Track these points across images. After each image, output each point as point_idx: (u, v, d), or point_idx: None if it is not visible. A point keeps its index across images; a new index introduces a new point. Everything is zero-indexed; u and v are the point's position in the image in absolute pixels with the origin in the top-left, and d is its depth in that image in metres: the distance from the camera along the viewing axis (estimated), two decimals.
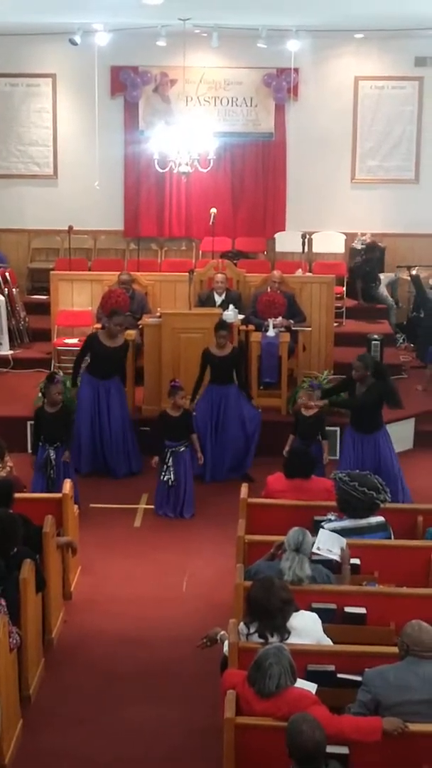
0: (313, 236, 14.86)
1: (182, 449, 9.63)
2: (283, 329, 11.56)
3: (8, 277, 13.58)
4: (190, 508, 9.70)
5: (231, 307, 11.60)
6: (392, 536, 7.24)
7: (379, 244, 14.61)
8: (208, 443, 10.28)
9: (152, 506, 9.78)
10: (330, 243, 15.01)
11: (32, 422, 9.95)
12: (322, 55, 14.79)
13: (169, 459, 9.55)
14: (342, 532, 6.92)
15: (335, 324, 12.79)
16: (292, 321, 11.80)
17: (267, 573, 6.22)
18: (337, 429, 10.55)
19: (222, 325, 10.38)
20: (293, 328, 11.76)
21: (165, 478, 9.56)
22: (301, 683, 5.18)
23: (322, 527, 7.00)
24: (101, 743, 6.24)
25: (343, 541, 6.73)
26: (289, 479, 8.01)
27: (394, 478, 9.16)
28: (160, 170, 12.47)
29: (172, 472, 9.56)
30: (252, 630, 5.63)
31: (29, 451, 9.82)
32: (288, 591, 5.65)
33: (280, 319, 11.60)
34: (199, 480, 10.12)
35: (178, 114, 14.36)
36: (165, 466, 9.55)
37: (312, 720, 4.58)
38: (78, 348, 11.21)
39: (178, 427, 9.60)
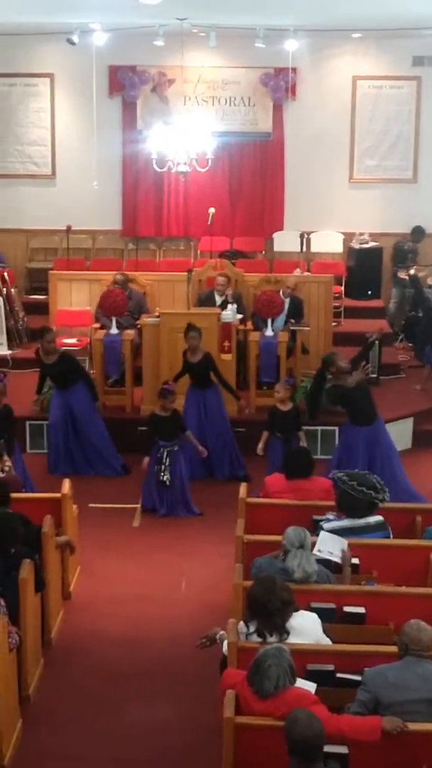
0: (311, 236, 14.85)
1: (176, 448, 9.64)
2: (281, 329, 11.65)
3: (6, 277, 13.57)
4: (194, 507, 9.73)
5: (229, 306, 11.61)
6: (391, 536, 7.25)
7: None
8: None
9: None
10: (328, 242, 15.00)
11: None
12: (319, 54, 14.78)
13: (166, 459, 9.57)
14: (341, 531, 6.93)
15: (333, 324, 12.80)
16: (292, 321, 11.85)
17: (268, 571, 6.23)
18: (336, 429, 10.62)
19: (190, 328, 10.39)
20: (291, 328, 11.79)
21: (164, 478, 9.58)
22: (301, 683, 5.18)
23: (321, 527, 7.02)
24: (101, 743, 6.25)
25: (345, 542, 6.73)
26: (288, 480, 8.01)
27: (398, 465, 9.40)
28: (159, 170, 12.46)
29: (169, 472, 9.57)
30: (251, 629, 5.64)
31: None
32: (289, 592, 5.65)
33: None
34: (201, 479, 10.19)
35: (176, 114, 14.33)
36: (163, 466, 9.57)
37: (309, 712, 4.60)
38: (77, 347, 11.32)
39: (170, 427, 9.62)
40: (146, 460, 9.61)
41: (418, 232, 14.60)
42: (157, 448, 9.59)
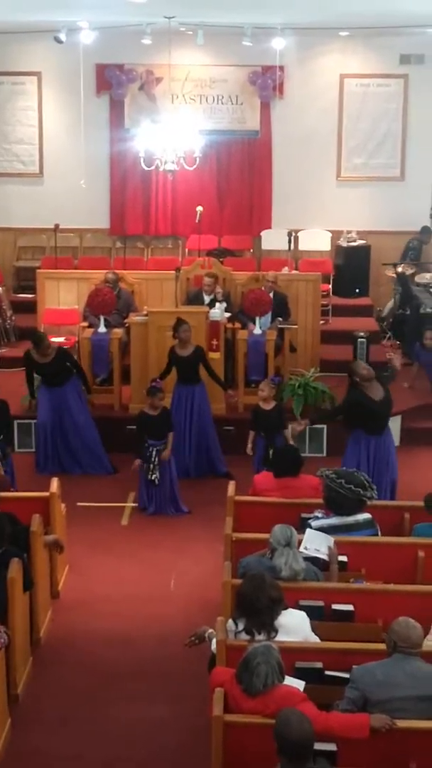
0: (299, 234, 14.85)
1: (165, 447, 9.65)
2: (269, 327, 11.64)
3: None
4: (182, 505, 9.73)
5: (217, 305, 11.61)
6: (379, 533, 7.26)
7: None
8: (186, 441, 10.36)
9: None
10: (316, 241, 15.01)
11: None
12: (307, 52, 14.79)
13: (155, 458, 9.56)
14: (329, 529, 6.94)
15: (321, 322, 12.81)
16: (279, 319, 11.85)
17: (257, 569, 6.23)
18: (324, 427, 10.61)
19: (180, 322, 10.38)
20: (279, 326, 11.79)
21: (152, 477, 9.56)
22: (289, 680, 5.18)
23: (310, 525, 7.02)
24: (89, 742, 6.24)
25: (331, 540, 6.74)
26: (277, 478, 8.01)
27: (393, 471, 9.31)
28: (146, 168, 12.45)
29: (158, 471, 9.56)
30: (240, 627, 5.64)
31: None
32: (278, 590, 5.65)
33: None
34: (183, 477, 10.18)
35: (163, 112, 14.32)
36: (152, 465, 9.56)
37: (300, 713, 4.59)
38: (65, 346, 11.30)
39: (159, 425, 9.61)
40: (137, 462, 9.59)
41: (424, 232, 14.66)
42: (146, 446, 9.57)
